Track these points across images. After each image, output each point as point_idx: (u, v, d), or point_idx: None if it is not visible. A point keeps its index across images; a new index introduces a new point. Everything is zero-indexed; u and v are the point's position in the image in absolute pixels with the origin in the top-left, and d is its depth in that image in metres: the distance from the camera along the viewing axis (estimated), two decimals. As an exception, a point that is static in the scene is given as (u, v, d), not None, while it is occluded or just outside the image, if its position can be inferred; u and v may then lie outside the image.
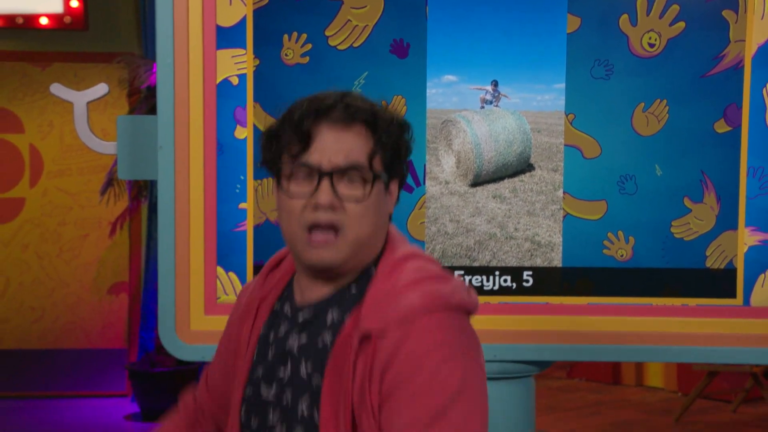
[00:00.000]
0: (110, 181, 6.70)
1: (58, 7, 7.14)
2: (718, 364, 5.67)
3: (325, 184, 1.63)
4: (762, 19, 2.89)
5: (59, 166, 7.42)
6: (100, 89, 3.05)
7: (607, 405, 6.15)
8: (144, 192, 6.74)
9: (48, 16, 7.15)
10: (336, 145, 1.65)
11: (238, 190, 2.92)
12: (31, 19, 7.14)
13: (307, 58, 2.89)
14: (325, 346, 1.69)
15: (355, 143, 1.66)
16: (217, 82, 2.89)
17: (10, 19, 7.14)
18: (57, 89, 3.06)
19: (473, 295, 1.74)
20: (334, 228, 1.65)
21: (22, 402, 7.39)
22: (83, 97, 3.05)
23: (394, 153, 1.71)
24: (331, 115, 1.65)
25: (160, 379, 6.96)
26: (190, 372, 7.07)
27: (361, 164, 1.65)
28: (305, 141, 1.65)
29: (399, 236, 1.80)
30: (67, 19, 7.13)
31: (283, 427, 1.72)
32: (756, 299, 2.94)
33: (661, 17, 2.89)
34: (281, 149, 1.68)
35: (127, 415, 7.16)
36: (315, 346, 1.71)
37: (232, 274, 2.96)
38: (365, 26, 2.87)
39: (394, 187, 1.75)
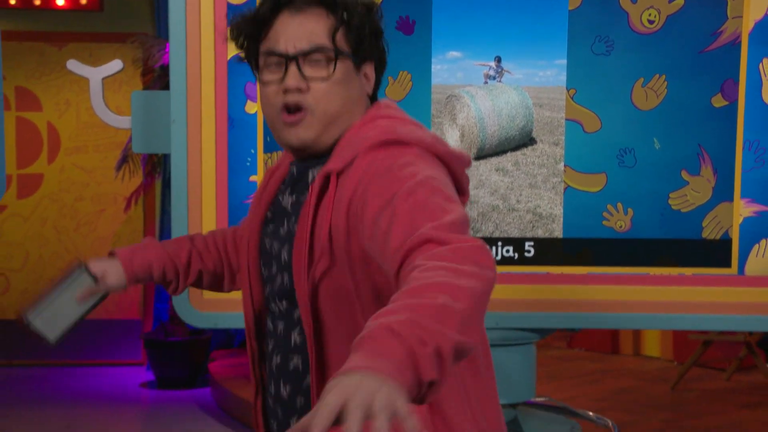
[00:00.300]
0: (125, 158, 6.70)
1: (73, -11, 7.13)
2: (712, 333, 5.67)
3: (292, 67, 1.67)
4: (759, -5, 2.87)
5: (76, 143, 7.42)
6: (115, 65, 3.03)
7: (606, 373, 6.15)
8: (158, 168, 6.74)
9: (64, -3, 7.14)
10: (298, 30, 1.68)
11: (248, 163, 2.92)
12: (47, 0, 7.13)
13: (316, 35, 2.87)
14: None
15: (317, 25, 1.68)
16: (228, 58, 2.88)
17: (28, 0, 7.14)
18: (73, 65, 3.05)
19: (445, 145, 1.72)
20: (302, 108, 1.69)
21: (43, 369, 7.42)
22: (98, 73, 3.03)
23: (361, 32, 1.72)
24: (291, 3, 1.69)
25: (174, 348, 6.99)
26: (202, 341, 7.09)
27: (324, 45, 1.67)
28: (268, 30, 1.70)
29: (379, 109, 1.77)
30: (83, 0, 7.12)
31: (278, 274, 1.77)
32: (750, 268, 2.93)
33: (660, -6, 2.87)
34: (251, 40, 1.73)
35: (143, 383, 7.18)
36: (300, 203, 1.75)
37: (243, 245, 2.95)
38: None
39: (368, 68, 1.77)
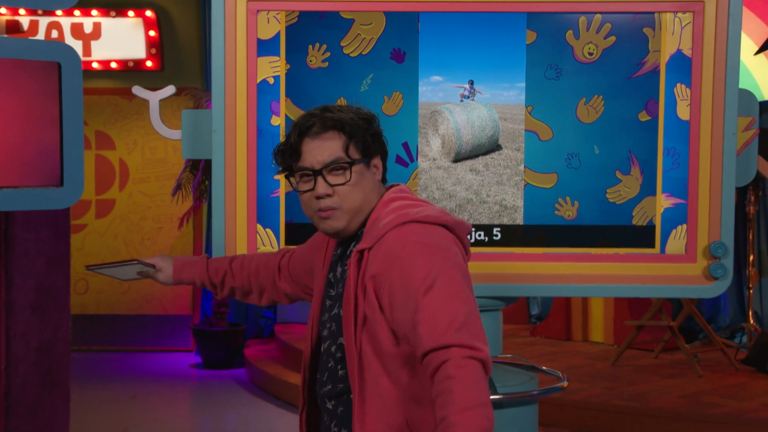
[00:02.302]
0: (179, 186, 6.70)
1: (141, 54, 7.16)
2: (644, 320, 5.62)
3: (319, 179, 1.81)
4: (672, 34, 2.85)
5: (141, 174, 7.41)
6: (169, 90, 3.01)
7: (561, 354, 6.10)
8: (205, 194, 6.73)
9: (134, 61, 7.16)
10: (319, 150, 1.81)
11: (273, 165, 2.88)
12: (121, 64, 7.16)
13: (327, 63, 2.86)
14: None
15: (332, 144, 1.81)
16: (258, 81, 2.87)
17: (106, 64, 7.17)
18: (137, 90, 3.03)
19: (447, 215, 1.82)
20: (333, 209, 1.82)
21: (113, 354, 7.37)
22: (156, 96, 3.01)
23: (366, 140, 1.84)
24: (310, 131, 1.83)
25: (216, 336, 6.94)
26: (239, 331, 7.04)
27: (340, 157, 1.80)
28: (298, 154, 1.84)
29: (393, 193, 1.88)
30: (149, 63, 7.15)
31: (334, 328, 1.89)
32: (670, 248, 2.89)
33: (597, 32, 2.85)
34: (287, 162, 1.88)
35: (192, 364, 7.13)
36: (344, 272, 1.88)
37: (268, 230, 2.92)
38: (371, 38, 2.84)
39: (377, 161, 1.88)
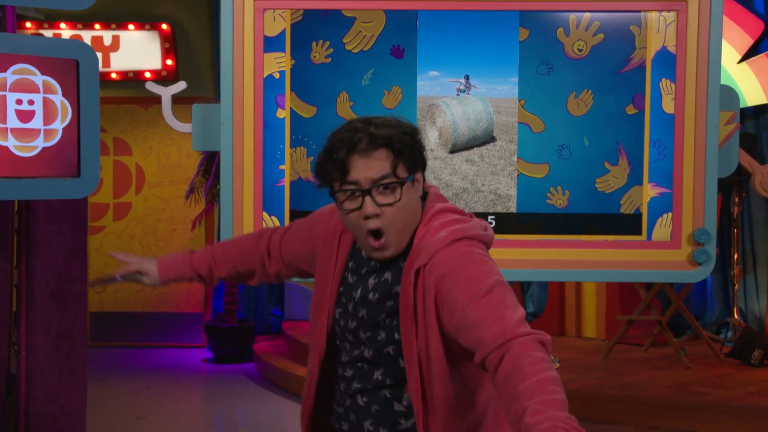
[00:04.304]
0: (192, 190, 6.69)
1: (157, 65, 7.18)
2: (634, 315, 5.59)
3: (367, 198, 1.65)
4: (657, 32, 2.86)
5: (156, 179, 7.41)
6: (180, 85, 3.03)
7: (555, 349, 6.01)
8: (216, 198, 6.72)
9: (150, 71, 7.18)
10: (367, 168, 1.65)
11: (278, 156, 2.89)
12: (138, 74, 7.18)
13: (330, 59, 2.87)
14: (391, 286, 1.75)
15: (380, 162, 1.64)
16: (264, 76, 2.87)
17: (124, 74, 7.19)
18: (151, 86, 3.04)
19: (489, 231, 1.75)
20: (382, 234, 1.67)
21: (129, 350, 7.35)
22: (169, 91, 3.03)
23: (411, 156, 1.69)
24: (358, 147, 1.65)
25: (227, 332, 6.92)
26: (248, 327, 7.02)
27: (388, 176, 1.65)
28: (346, 172, 1.66)
29: (433, 201, 1.77)
30: (164, 73, 7.17)
31: (355, 314, 1.77)
32: (656, 235, 2.89)
33: (586, 30, 2.86)
34: (331, 178, 1.69)
35: (203, 359, 7.11)
36: (385, 288, 1.75)
37: (274, 218, 2.92)
38: (372, 35, 2.85)
39: (419, 176, 1.73)
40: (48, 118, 2.99)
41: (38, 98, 2.99)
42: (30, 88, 2.97)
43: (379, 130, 1.68)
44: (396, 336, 1.72)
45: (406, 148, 1.67)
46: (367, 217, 1.65)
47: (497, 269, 1.64)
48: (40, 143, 2.98)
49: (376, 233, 1.67)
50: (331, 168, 1.68)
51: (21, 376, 3.75)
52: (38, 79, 2.98)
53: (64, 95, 3.01)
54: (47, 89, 2.99)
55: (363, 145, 1.65)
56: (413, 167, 1.69)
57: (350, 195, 1.67)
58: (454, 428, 1.67)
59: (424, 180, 1.77)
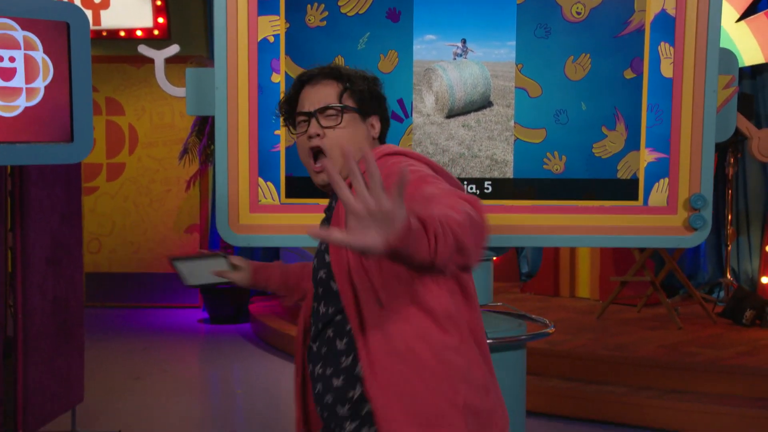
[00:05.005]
0: (185, 150, 6.67)
1: (148, 23, 7.09)
2: (628, 276, 5.62)
3: (312, 121, 1.78)
4: (658, -6, 2.82)
5: (149, 139, 7.37)
6: (173, 48, 2.98)
7: (549, 309, 6.10)
8: (210, 158, 6.70)
9: (141, 29, 7.09)
10: (315, 96, 1.80)
11: (273, 121, 2.86)
12: (129, 32, 7.09)
13: (325, 23, 2.82)
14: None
15: (327, 90, 1.79)
16: (258, 40, 2.83)
17: (115, 32, 7.09)
18: (143, 49, 3.00)
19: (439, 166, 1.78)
20: (322, 151, 1.78)
21: (127, 310, 7.38)
22: (162, 55, 2.99)
23: (362, 93, 1.81)
24: (311, 79, 1.83)
25: (223, 293, 6.95)
26: (243, 289, 7.03)
27: (332, 103, 1.78)
28: (297, 99, 1.84)
29: (389, 147, 1.80)
30: (156, 32, 7.07)
31: (323, 275, 1.80)
32: (652, 201, 2.88)
33: (585, -8, 2.82)
34: (288, 111, 1.87)
35: (199, 320, 7.15)
36: (328, 215, 1.83)
37: (269, 183, 2.90)
38: (367, -2, 2.81)
39: (374, 120, 1.84)
40: (30, 76, 2.94)
41: (19, 55, 2.93)
42: (11, 44, 2.91)
43: (332, 66, 1.83)
44: (327, 258, 1.75)
45: (356, 84, 1.80)
46: (310, 138, 1.77)
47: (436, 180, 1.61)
48: (22, 103, 2.94)
49: (317, 153, 1.78)
50: (287, 102, 1.85)
51: (18, 339, 3.77)
52: (18, 34, 2.92)
53: (45, 52, 2.96)
54: (28, 46, 2.93)
55: (314, 76, 1.82)
56: (363, 105, 1.81)
57: (301, 124, 1.82)
58: (394, 352, 1.62)
59: (383, 134, 1.86)
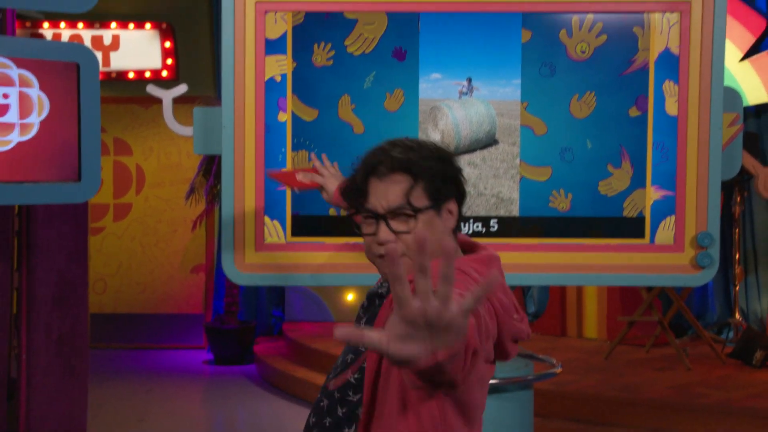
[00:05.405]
0: (192, 190, 6.69)
1: (157, 64, 7.17)
2: (635, 315, 5.58)
3: (382, 224, 1.59)
4: (660, 33, 2.84)
5: (157, 179, 7.40)
6: (181, 88, 3.01)
7: (555, 350, 6.04)
8: (217, 198, 6.71)
9: (150, 71, 7.17)
10: (383, 194, 1.59)
11: (280, 159, 2.88)
12: (139, 73, 7.17)
13: (332, 62, 2.85)
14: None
15: (397, 189, 1.57)
16: (266, 79, 2.86)
17: (124, 74, 7.17)
18: (151, 89, 3.03)
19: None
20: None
21: (130, 351, 7.34)
22: (170, 94, 3.01)
23: (436, 185, 1.59)
24: (377, 171, 1.60)
25: (228, 334, 6.91)
26: (249, 329, 7.01)
27: (402, 204, 1.57)
28: (363, 195, 1.61)
29: (483, 249, 1.68)
30: (164, 73, 7.15)
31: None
32: (659, 239, 2.87)
33: (589, 31, 2.84)
34: (354, 202, 1.65)
35: (204, 361, 7.10)
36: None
37: (276, 222, 2.90)
38: (374, 37, 2.83)
39: (451, 206, 1.63)
40: (24, 112, 2.96)
41: (14, 92, 2.95)
42: (5, 81, 2.93)
43: (401, 153, 1.60)
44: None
45: (427, 174, 1.58)
46: (380, 244, 1.59)
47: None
48: (15, 137, 2.95)
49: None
50: (353, 192, 1.64)
51: (22, 380, 3.74)
52: (14, 72, 2.95)
53: (41, 89, 2.98)
54: (23, 83, 2.96)
55: (381, 168, 1.59)
56: (438, 195, 1.59)
57: (366, 218, 1.62)
58: None
59: (460, 213, 1.66)
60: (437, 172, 1.60)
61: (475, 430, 1.61)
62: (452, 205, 1.63)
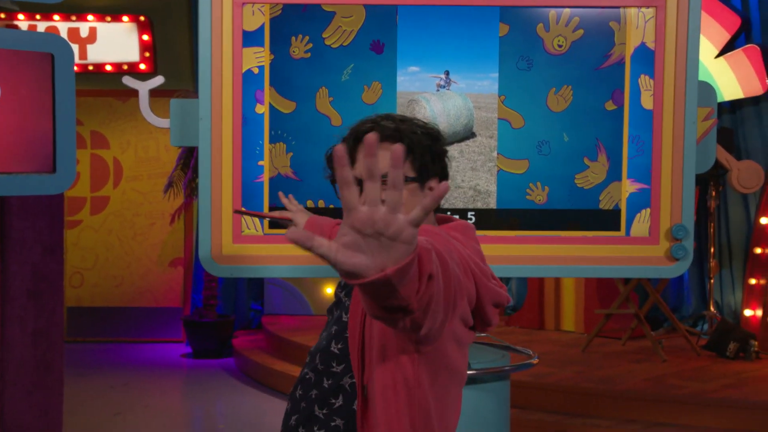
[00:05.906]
0: (170, 184, 6.64)
1: (135, 57, 7.11)
2: (612, 308, 5.62)
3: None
4: (636, 28, 2.86)
5: (134, 172, 7.35)
6: (158, 80, 2.99)
7: (534, 342, 6.07)
8: (195, 191, 6.67)
9: (128, 63, 7.11)
10: None
11: (257, 151, 2.86)
12: (116, 66, 7.10)
13: (309, 54, 2.84)
14: None
15: (384, 157, 1.56)
16: (243, 71, 2.84)
17: (101, 66, 7.11)
18: (128, 80, 3.00)
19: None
20: None
21: (107, 345, 7.29)
22: (146, 86, 2.99)
23: (424, 159, 1.60)
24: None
25: (206, 327, 6.88)
26: (228, 322, 6.98)
27: (388, 173, 1.56)
28: (352, 161, 1.59)
29: (456, 221, 1.69)
30: (142, 66, 7.10)
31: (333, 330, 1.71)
32: (634, 231, 2.89)
33: (566, 25, 2.85)
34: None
35: (182, 354, 7.06)
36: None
37: (253, 214, 2.89)
38: (351, 30, 2.83)
39: (433, 183, 1.63)
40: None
41: None
42: None
43: (392, 124, 1.60)
44: (344, 317, 1.65)
45: (417, 148, 1.59)
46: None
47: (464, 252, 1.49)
48: None
49: None
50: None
51: (-4, 373, 3.71)
52: None
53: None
54: None
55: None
56: (424, 170, 1.60)
57: None
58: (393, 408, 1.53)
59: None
60: (426, 148, 1.61)
61: (454, 390, 1.61)
62: (434, 183, 1.64)
